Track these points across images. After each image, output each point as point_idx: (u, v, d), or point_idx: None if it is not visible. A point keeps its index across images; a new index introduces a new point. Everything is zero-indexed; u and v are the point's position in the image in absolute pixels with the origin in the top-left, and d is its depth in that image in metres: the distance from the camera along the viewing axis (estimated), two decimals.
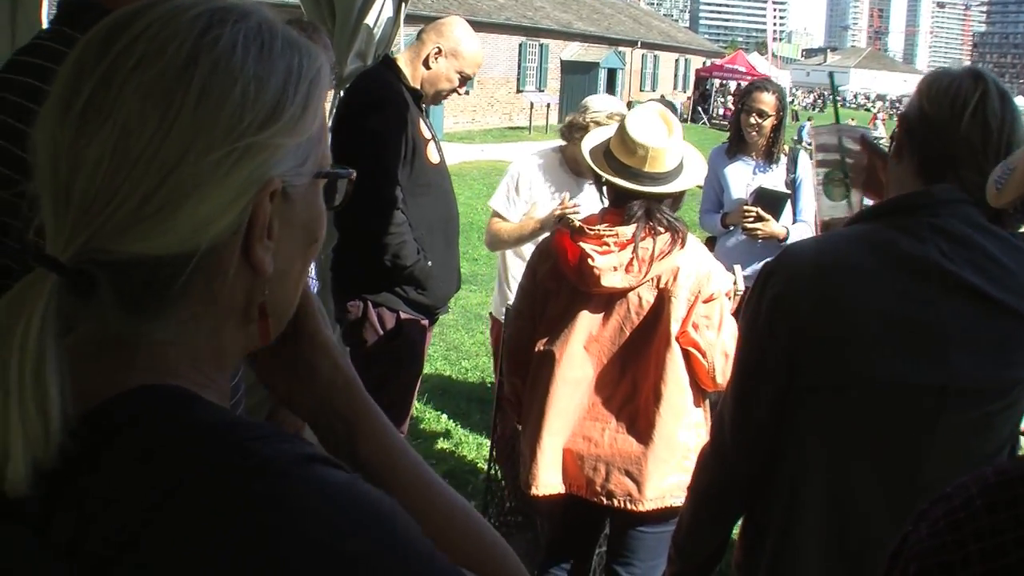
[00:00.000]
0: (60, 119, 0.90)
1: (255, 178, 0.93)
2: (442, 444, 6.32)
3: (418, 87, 4.28)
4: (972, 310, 1.88)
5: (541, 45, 40.57)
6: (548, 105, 37.65)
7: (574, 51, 42.58)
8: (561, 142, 4.89)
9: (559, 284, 3.32)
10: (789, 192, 5.53)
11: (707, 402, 3.40)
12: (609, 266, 3.14)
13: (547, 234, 4.25)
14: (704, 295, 3.20)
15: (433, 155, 4.29)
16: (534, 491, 3.38)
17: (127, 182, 0.88)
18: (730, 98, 50.58)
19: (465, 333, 9.22)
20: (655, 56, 51.87)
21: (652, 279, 3.18)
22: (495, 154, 27.13)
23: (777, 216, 5.41)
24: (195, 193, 0.89)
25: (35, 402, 0.84)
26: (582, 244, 3.17)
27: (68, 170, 0.89)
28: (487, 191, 20.58)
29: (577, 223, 3.25)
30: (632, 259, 3.14)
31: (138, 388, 0.91)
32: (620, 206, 3.22)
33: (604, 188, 3.32)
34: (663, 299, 3.19)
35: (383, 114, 4.10)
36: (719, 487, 2.21)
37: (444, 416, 6.82)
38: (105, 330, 0.94)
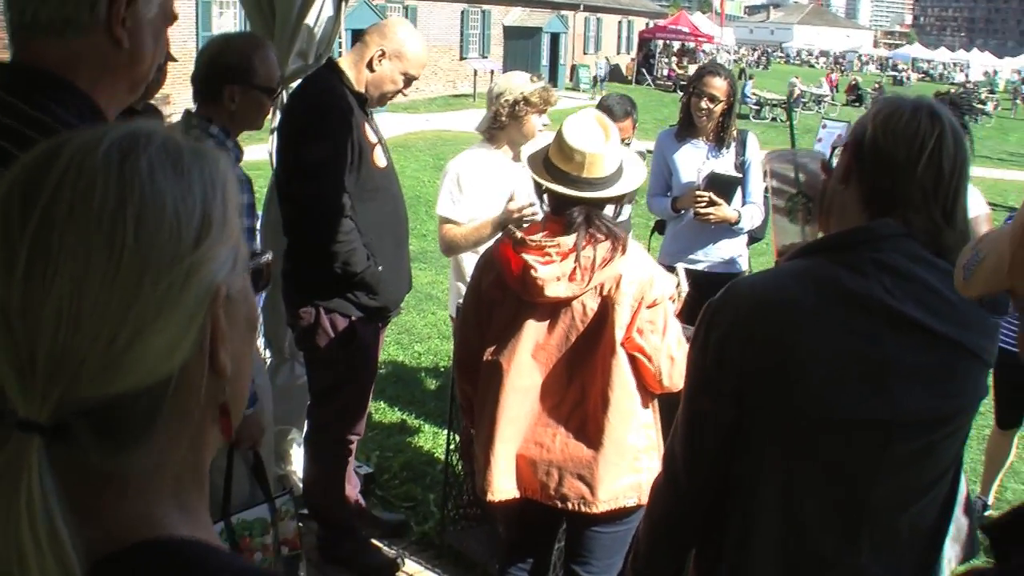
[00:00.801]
0: (3, 282, 0.89)
1: (205, 292, 0.95)
2: (399, 435, 6.31)
3: (362, 90, 4.23)
4: (915, 344, 1.91)
5: (483, 11, 40.34)
6: (492, 71, 37.42)
7: (516, 16, 42.37)
8: (491, 146, 4.86)
9: (504, 294, 3.33)
10: (741, 176, 5.54)
11: (655, 402, 3.43)
12: (552, 276, 3.16)
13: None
14: (647, 300, 3.22)
15: (380, 159, 4.25)
16: (490, 497, 3.40)
17: (89, 332, 0.88)
18: (674, 59, 50.74)
19: (416, 314, 9.18)
20: (598, 19, 51.68)
21: (595, 287, 3.20)
22: (440, 123, 27.01)
23: (729, 200, 5.42)
24: (157, 322, 0.91)
25: (55, 559, 0.86)
26: (524, 255, 3.19)
27: (26, 332, 0.88)
28: (434, 162, 20.52)
29: (519, 234, 3.25)
30: (575, 268, 3.16)
31: (133, 547, 0.93)
32: (560, 214, 3.23)
33: (544, 196, 3.32)
34: (607, 306, 3.21)
35: (327, 121, 4.06)
36: (674, 517, 2.23)
37: (399, 406, 6.81)
38: (87, 467, 0.94)
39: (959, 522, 2.58)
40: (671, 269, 3.88)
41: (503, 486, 3.39)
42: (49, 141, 0.97)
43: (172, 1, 1.93)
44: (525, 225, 3.79)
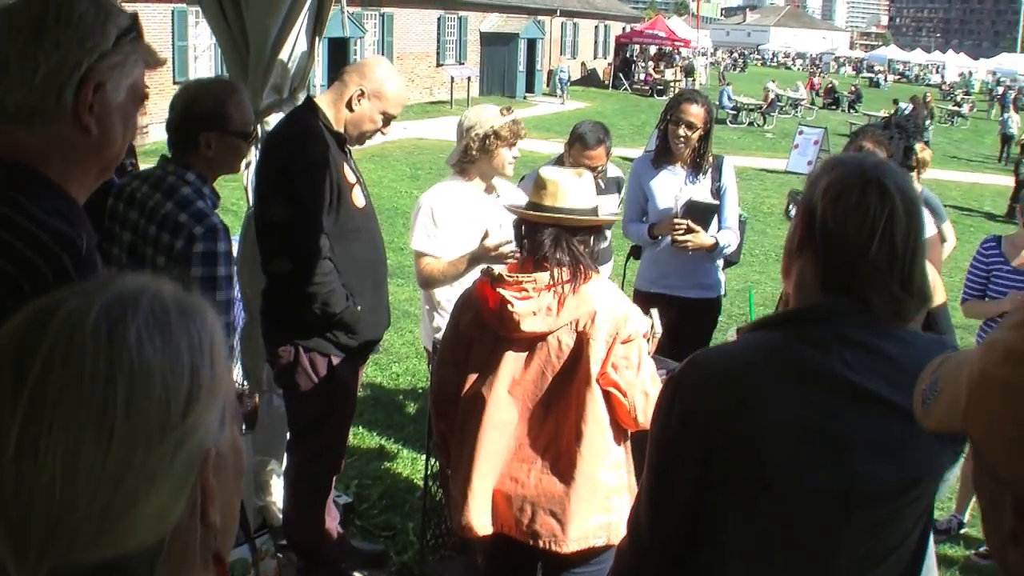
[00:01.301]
0: None
1: (194, 458, 0.97)
2: (377, 462, 6.30)
3: (341, 130, 4.23)
4: (876, 417, 1.92)
5: (460, 18, 40.33)
6: (468, 78, 37.50)
7: (493, 23, 42.37)
8: (462, 179, 4.88)
9: (482, 332, 3.38)
10: (718, 203, 5.56)
11: (627, 443, 3.46)
12: (528, 311, 3.22)
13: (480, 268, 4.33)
14: (622, 336, 3.27)
15: (359, 199, 4.26)
16: (467, 533, 3.44)
17: (82, 505, 0.90)
18: (651, 64, 50.84)
19: (394, 333, 9.12)
20: (574, 24, 51.75)
21: (571, 322, 3.25)
22: (418, 131, 26.97)
23: (706, 227, 5.45)
24: (148, 492, 0.93)
25: None
26: (501, 291, 3.25)
27: (19, 507, 0.90)
28: (411, 171, 20.50)
29: (497, 272, 3.32)
30: (549, 304, 3.22)
31: None
32: (533, 241, 3.31)
33: (523, 234, 3.38)
34: (582, 342, 3.25)
35: (306, 162, 4.07)
36: None
37: (377, 431, 6.79)
38: None
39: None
40: (648, 304, 3.90)
41: (480, 522, 3.41)
42: (36, 306, 0.98)
43: (142, 80, 1.93)
44: (506, 263, 3.85)
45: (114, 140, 1.90)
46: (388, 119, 4.31)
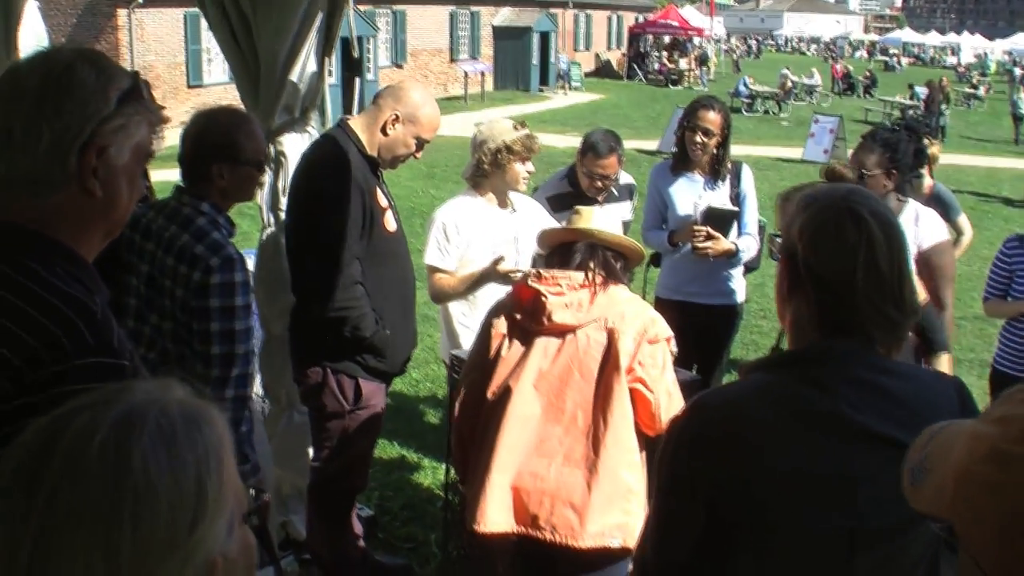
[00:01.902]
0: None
1: (202, 570, 0.99)
2: (398, 472, 6.31)
3: (375, 154, 4.26)
4: (881, 456, 1.91)
5: (472, 13, 40.33)
6: (482, 73, 37.49)
7: (505, 16, 42.33)
8: (475, 193, 4.93)
9: (512, 330, 3.49)
10: (737, 209, 5.57)
11: (644, 453, 3.49)
12: (561, 303, 3.36)
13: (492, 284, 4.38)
14: (649, 335, 3.38)
15: (390, 223, 4.29)
16: (481, 528, 3.45)
17: None
18: (664, 53, 50.69)
19: None
20: (587, 15, 51.66)
21: (600, 319, 3.37)
22: None
23: (726, 233, 5.45)
24: None
25: None
26: (536, 285, 3.40)
27: None
28: (427, 170, 20.48)
29: (532, 270, 3.52)
30: (581, 300, 3.36)
31: None
32: (566, 256, 3.48)
33: (556, 259, 3.54)
34: (612, 337, 3.36)
35: (341, 188, 4.08)
36: None
37: (398, 440, 6.80)
38: None
39: None
40: (668, 311, 3.99)
41: (495, 518, 3.43)
42: (45, 425, 0.99)
43: (147, 139, 1.95)
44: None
45: (120, 202, 1.92)
46: (421, 143, 4.33)
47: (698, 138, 5.52)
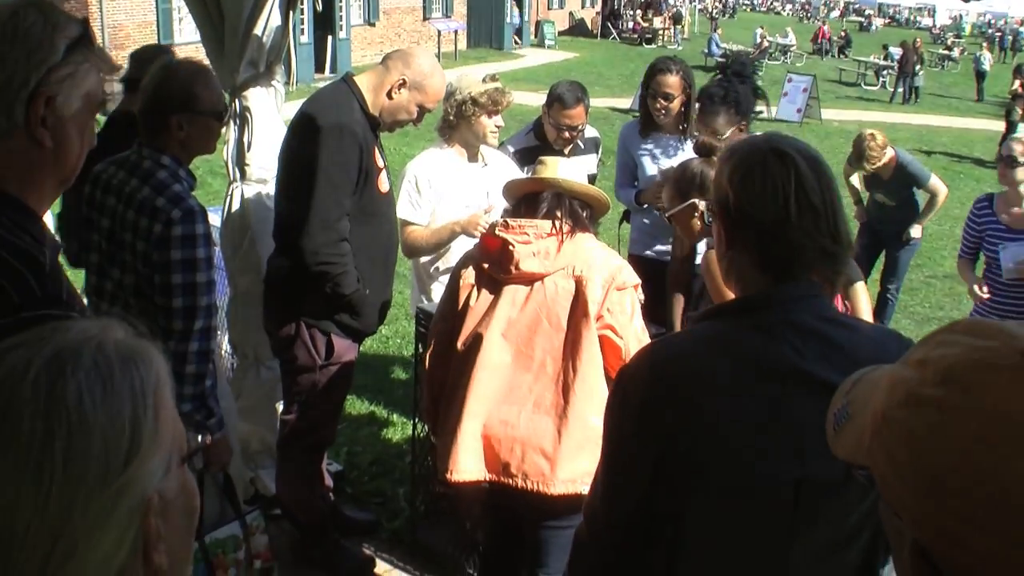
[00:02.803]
0: None
1: (136, 506, 0.99)
2: (367, 428, 6.34)
3: (377, 114, 4.23)
4: (824, 404, 1.93)
5: None
6: (456, 32, 37.23)
7: None
8: (444, 145, 4.94)
9: (479, 280, 3.50)
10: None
11: None
12: (528, 252, 3.37)
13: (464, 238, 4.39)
14: (617, 283, 3.40)
15: (384, 184, 4.27)
16: (454, 477, 3.48)
17: (23, 556, 0.93)
18: (639, 12, 50.48)
19: None
20: None
21: (568, 267, 3.38)
22: None
23: None
24: (88, 542, 0.96)
25: None
26: (503, 234, 3.40)
27: None
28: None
29: (500, 220, 3.50)
30: (548, 248, 3.37)
31: None
32: (533, 205, 3.48)
33: (523, 208, 3.52)
34: (579, 286, 3.37)
35: (342, 142, 4.05)
36: (597, 572, 2.25)
37: (367, 396, 6.82)
38: None
39: None
40: (639, 267, 4.00)
41: (467, 465, 3.46)
42: None
43: (98, 87, 1.93)
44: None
45: (71, 152, 1.91)
46: (423, 112, 4.30)
47: (659, 103, 5.50)
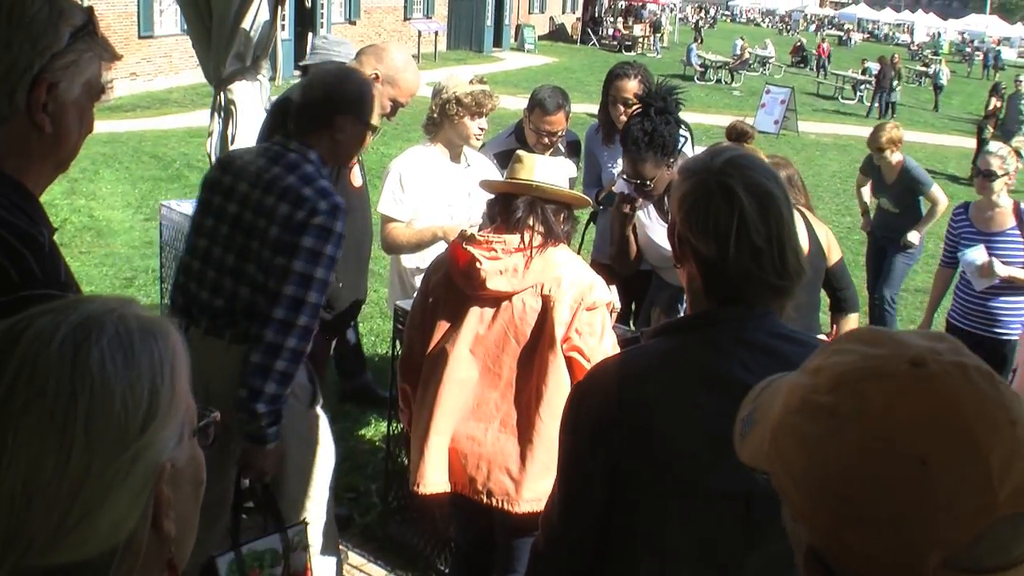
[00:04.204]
0: None
1: (150, 472, 1.03)
2: (341, 423, 6.33)
3: None
4: None
5: None
6: (436, 33, 37.18)
7: None
8: (429, 143, 4.95)
9: (448, 291, 3.47)
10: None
11: None
12: (495, 270, 3.32)
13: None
14: (587, 303, 3.37)
15: (356, 179, 4.30)
16: (421, 489, 3.51)
17: (40, 513, 0.97)
18: (620, 19, 50.58)
19: None
20: None
21: (536, 286, 3.35)
22: None
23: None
24: (104, 503, 0.99)
25: None
26: (471, 249, 3.35)
27: None
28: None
29: (469, 231, 3.44)
30: (516, 266, 3.32)
31: None
32: (507, 210, 3.40)
33: (497, 208, 3.48)
34: (547, 305, 3.35)
35: None
36: None
37: (341, 392, 6.82)
38: None
39: None
40: (602, 273, 3.98)
41: (434, 479, 3.49)
42: (7, 325, 1.04)
43: (99, 76, 1.95)
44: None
45: (69, 137, 1.94)
46: (396, 107, 4.32)
47: (620, 109, 5.49)
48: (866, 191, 8.93)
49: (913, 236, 8.36)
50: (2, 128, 1.84)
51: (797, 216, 4.08)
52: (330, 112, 3.54)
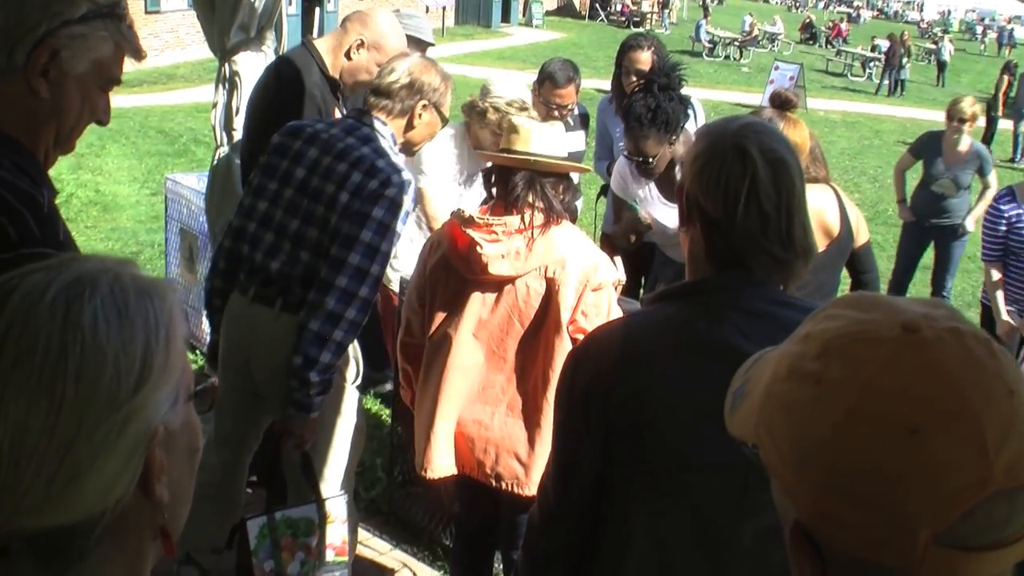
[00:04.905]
0: None
1: (142, 434, 1.00)
2: None
3: (337, 76, 4.23)
4: None
5: None
6: (444, 8, 37.05)
7: None
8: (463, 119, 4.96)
9: (448, 273, 3.39)
10: None
11: None
12: (496, 254, 3.24)
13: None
14: (592, 284, 3.30)
15: None
16: (429, 475, 3.48)
17: (29, 471, 0.94)
18: None
19: None
20: None
21: (540, 268, 3.28)
22: None
23: None
24: (94, 465, 0.97)
25: None
26: (471, 232, 3.26)
27: None
28: None
29: (467, 213, 3.33)
30: (519, 248, 3.24)
31: None
32: (505, 186, 3.32)
33: (493, 179, 3.40)
34: (551, 288, 3.28)
35: (299, 106, 4.06)
36: (549, 555, 2.25)
37: None
38: None
39: None
40: (611, 254, 3.94)
41: (441, 463, 3.45)
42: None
43: (113, 63, 1.94)
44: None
45: (69, 110, 1.92)
46: None
47: (632, 80, 5.33)
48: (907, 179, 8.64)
49: (970, 223, 8.16)
50: (2, 86, 1.84)
51: (830, 193, 4.07)
52: (413, 97, 3.58)
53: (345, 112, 4.31)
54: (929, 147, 8.32)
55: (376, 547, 4.78)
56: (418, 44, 5.15)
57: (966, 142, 7.99)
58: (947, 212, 8.21)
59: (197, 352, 6.34)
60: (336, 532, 3.57)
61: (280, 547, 3.42)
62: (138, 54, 2.01)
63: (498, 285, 3.32)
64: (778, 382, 1.06)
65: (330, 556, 3.57)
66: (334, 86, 4.23)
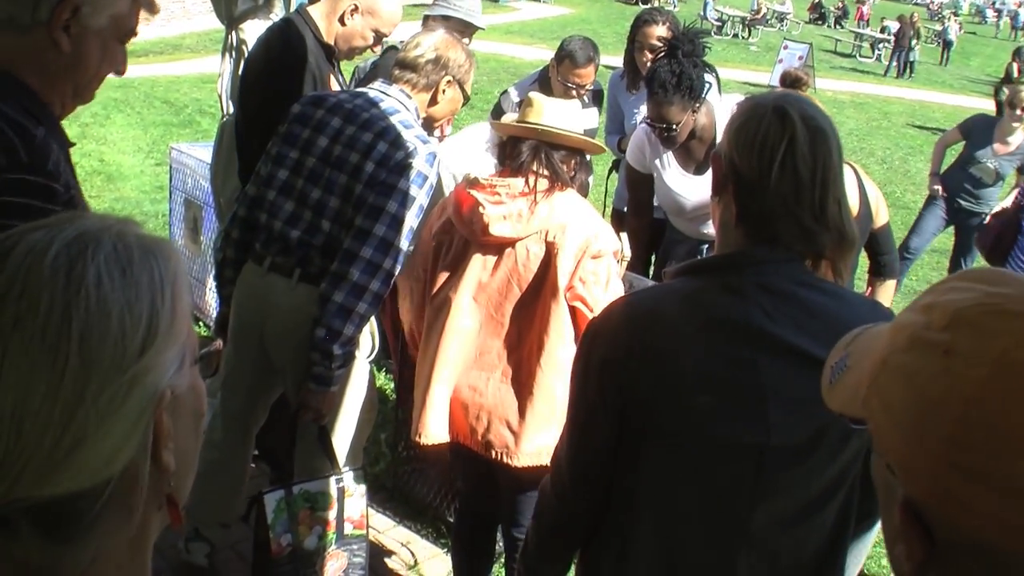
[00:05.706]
0: None
1: (149, 398, 0.96)
2: None
3: (331, 42, 4.18)
4: (791, 369, 1.88)
5: None
6: None
7: None
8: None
9: (451, 236, 3.40)
10: None
11: None
12: (499, 215, 3.24)
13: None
14: (592, 251, 3.28)
15: None
16: (423, 440, 3.45)
17: (31, 438, 0.90)
18: None
19: None
20: None
21: (541, 232, 3.26)
22: (398, 35, 26.58)
23: None
24: (99, 430, 0.92)
25: None
26: (475, 193, 3.27)
27: None
28: None
29: (473, 175, 3.35)
30: (520, 211, 3.23)
31: None
32: (512, 154, 3.33)
33: (506, 151, 3.39)
34: (551, 252, 3.26)
35: (293, 73, 4.01)
36: (560, 524, 2.25)
37: None
38: (28, 561, 0.95)
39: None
40: (623, 222, 3.90)
41: (435, 430, 3.43)
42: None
43: (130, 17, 2.00)
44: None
45: (88, 64, 1.98)
46: (379, 37, 4.24)
47: (646, 55, 5.37)
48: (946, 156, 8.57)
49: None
50: (24, 37, 1.89)
51: (850, 172, 4.01)
52: (437, 72, 3.59)
53: (340, 79, 4.26)
54: (981, 130, 8.29)
55: (380, 523, 4.76)
56: (466, 28, 5.09)
57: (1021, 136, 7.94)
58: (979, 198, 8.21)
59: (201, 324, 6.31)
60: (355, 506, 3.57)
61: (298, 521, 3.42)
62: (151, 7, 2.07)
63: (499, 248, 3.31)
64: (897, 352, 1.01)
65: (348, 530, 3.57)
66: (328, 52, 4.18)
